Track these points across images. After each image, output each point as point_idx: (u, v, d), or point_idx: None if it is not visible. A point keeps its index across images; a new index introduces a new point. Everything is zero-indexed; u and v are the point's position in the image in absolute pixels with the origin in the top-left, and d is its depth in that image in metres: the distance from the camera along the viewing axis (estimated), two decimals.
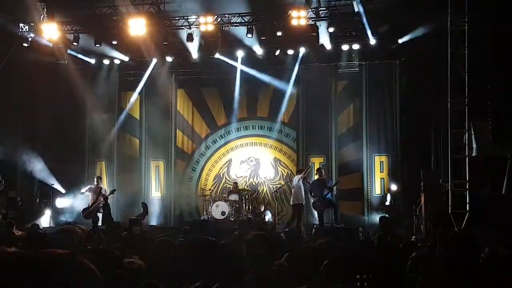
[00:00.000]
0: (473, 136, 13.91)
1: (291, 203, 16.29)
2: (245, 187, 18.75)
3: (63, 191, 18.05)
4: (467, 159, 14.01)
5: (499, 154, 13.55)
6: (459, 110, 14.05)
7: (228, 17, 16.10)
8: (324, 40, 16.29)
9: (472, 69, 13.82)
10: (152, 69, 18.46)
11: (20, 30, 16.17)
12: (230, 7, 16.06)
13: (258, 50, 17.30)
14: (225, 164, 19.36)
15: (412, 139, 16.69)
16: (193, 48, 17.15)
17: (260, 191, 18.78)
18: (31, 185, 18.13)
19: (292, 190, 16.18)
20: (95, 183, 16.75)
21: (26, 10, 15.67)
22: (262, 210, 17.65)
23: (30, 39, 16.21)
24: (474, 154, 13.97)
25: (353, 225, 15.95)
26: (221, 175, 19.28)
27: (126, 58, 18.14)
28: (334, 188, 15.98)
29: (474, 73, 13.85)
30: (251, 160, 19.16)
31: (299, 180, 15.96)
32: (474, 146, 13.91)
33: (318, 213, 15.77)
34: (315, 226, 15.48)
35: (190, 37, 16.16)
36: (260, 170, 19.05)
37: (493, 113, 13.64)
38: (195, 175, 19.38)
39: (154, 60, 18.01)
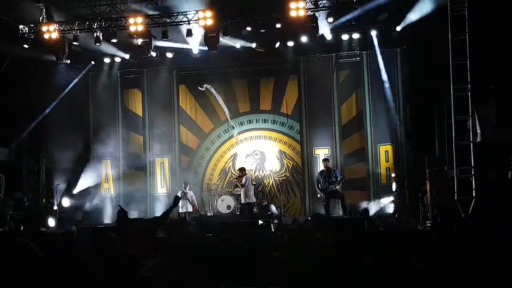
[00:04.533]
0: (477, 121, 13.82)
1: (243, 201, 16.57)
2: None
3: (74, 191, 18.09)
4: (471, 145, 13.91)
5: (503, 139, 13.45)
6: (462, 96, 13.95)
7: (227, 11, 16.00)
8: (324, 30, 16.17)
9: (473, 55, 13.70)
10: (153, 65, 18.45)
11: (20, 31, 16.06)
12: (229, 1, 16.00)
13: (258, 43, 17.25)
14: (230, 158, 19.38)
15: (416, 127, 16.62)
16: (193, 44, 17.08)
17: (266, 184, 18.78)
18: (36, 186, 18.10)
19: (244, 189, 16.45)
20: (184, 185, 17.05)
21: (25, 11, 15.63)
22: (266, 204, 17.60)
23: (30, 40, 16.14)
24: (478, 139, 13.88)
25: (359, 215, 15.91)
26: (227, 169, 19.30)
27: (126, 56, 18.10)
28: (340, 183, 15.93)
29: (476, 58, 13.72)
30: (256, 154, 19.17)
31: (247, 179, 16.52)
32: (479, 131, 13.82)
33: (324, 204, 15.79)
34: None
35: (189, 33, 16.08)
36: (266, 163, 19.07)
37: (496, 98, 13.53)
38: (200, 170, 19.38)
39: (154, 56, 17.86)
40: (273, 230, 14.37)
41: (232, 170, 19.15)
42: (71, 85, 18.04)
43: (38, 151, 18.02)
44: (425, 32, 15.27)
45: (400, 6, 15.30)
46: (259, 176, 18.89)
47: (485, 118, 13.65)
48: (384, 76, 17.00)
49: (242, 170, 16.83)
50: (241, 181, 16.52)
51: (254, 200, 16.65)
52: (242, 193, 16.51)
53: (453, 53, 13.85)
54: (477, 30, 13.64)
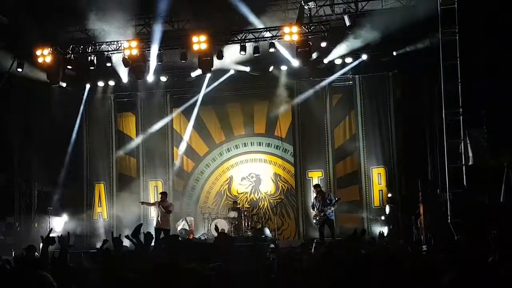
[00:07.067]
0: (468, 145, 13.90)
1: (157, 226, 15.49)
2: (246, 203, 18.72)
3: (63, 215, 17.88)
4: (463, 168, 13.99)
5: (495, 162, 13.52)
6: (454, 119, 14.06)
7: (220, 35, 16.14)
8: (317, 55, 16.35)
9: (465, 79, 13.84)
10: (147, 89, 18.50)
11: (13, 56, 16.12)
12: (223, 25, 16.16)
13: (252, 67, 17.40)
14: (225, 181, 19.39)
15: (408, 150, 16.64)
16: (187, 67, 17.19)
17: (261, 206, 18.79)
18: (28, 210, 17.88)
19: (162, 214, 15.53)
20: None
21: (19, 36, 15.71)
22: (260, 227, 17.53)
23: (23, 64, 16.18)
24: (470, 162, 13.94)
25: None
26: (222, 192, 19.31)
27: (122, 79, 18.04)
28: (335, 204, 15.91)
29: (467, 82, 13.86)
30: (251, 176, 19.21)
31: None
32: (470, 155, 13.89)
33: (318, 227, 15.74)
34: (315, 241, 15.38)
35: (183, 56, 16.20)
36: (261, 186, 19.10)
37: (487, 121, 13.64)
38: (194, 194, 19.37)
39: (149, 80, 17.82)
40: (267, 253, 14.30)
41: (228, 193, 19.17)
42: (79, 115, 18.30)
43: (30, 174, 17.89)
44: (417, 56, 15.42)
45: (392, 32, 15.46)
46: (254, 199, 18.90)
47: (477, 141, 13.73)
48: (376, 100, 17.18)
49: (164, 194, 16.20)
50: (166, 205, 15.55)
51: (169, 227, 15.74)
52: (160, 217, 15.42)
53: (445, 78, 14.01)
54: (467, 55, 13.80)
